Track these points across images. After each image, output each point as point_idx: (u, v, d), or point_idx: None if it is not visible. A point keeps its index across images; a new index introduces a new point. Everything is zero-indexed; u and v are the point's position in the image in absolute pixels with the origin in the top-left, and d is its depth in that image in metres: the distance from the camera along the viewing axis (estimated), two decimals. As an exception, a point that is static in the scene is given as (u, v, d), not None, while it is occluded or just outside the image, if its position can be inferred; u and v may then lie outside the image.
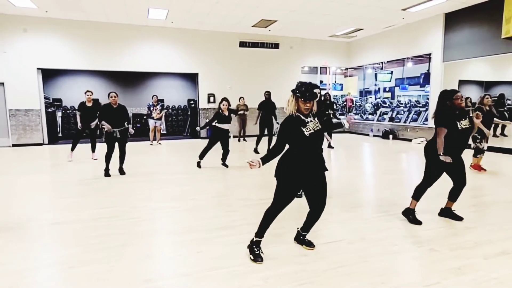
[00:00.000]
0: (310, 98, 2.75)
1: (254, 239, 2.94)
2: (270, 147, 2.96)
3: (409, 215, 3.74)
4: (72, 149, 7.97)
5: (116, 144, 6.19)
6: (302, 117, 2.78)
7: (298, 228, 3.16)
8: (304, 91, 2.74)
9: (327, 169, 2.94)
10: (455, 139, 3.51)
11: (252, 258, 2.87)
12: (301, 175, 2.80)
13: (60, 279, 2.63)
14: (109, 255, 2.96)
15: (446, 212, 3.84)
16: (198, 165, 6.98)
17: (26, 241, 3.31)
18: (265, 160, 2.77)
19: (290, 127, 2.78)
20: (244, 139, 11.90)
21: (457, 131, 3.48)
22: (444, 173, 3.69)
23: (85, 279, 2.57)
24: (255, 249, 2.90)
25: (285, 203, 2.86)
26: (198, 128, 7.57)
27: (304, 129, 2.75)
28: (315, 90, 2.85)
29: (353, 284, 2.48)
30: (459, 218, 3.75)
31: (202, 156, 6.98)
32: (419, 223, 3.65)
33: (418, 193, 3.75)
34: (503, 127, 10.81)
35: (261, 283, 2.49)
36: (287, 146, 2.85)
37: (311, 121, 2.79)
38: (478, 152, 6.22)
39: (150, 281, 2.54)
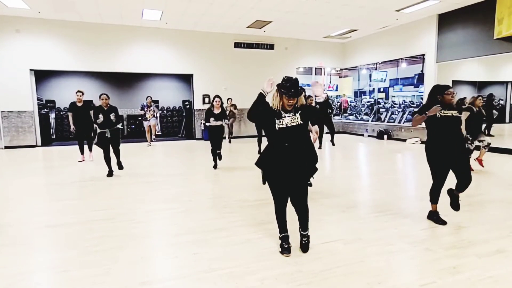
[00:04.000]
0: (294, 95, 2.74)
1: (280, 236, 3.03)
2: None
3: (433, 217, 3.75)
4: (82, 151, 7.92)
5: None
6: (282, 111, 2.82)
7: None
8: (288, 87, 2.73)
9: (314, 170, 2.96)
10: (438, 128, 3.54)
11: (280, 250, 2.97)
12: (274, 168, 2.87)
13: (55, 282, 2.60)
14: (104, 257, 2.94)
15: (452, 194, 3.84)
16: (215, 166, 6.93)
17: (20, 244, 3.27)
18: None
19: (267, 109, 2.83)
20: (229, 141, 11.77)
21: (436, 120, 3.51)
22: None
23: (80, 282, 2.54)
24: (284, 244, 2.99)
25: (275, 196, 2.96)
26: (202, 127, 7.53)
27: (276, 121, 2.79)
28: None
29: (349, 284, 2.49)
30: (456, 208, 3.78)
31: (214, 157, 6.92)
32: (443, 223, 3.64)
33: (432, 196, 3.73)
34: (490, 126, 10.96)
35: (258, 284, 2.48)
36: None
37: (289, 116, 2.81)
38: (469, 152, 6.28)
39: (146, 283, 2.52)
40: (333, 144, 9.89)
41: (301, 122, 2.82)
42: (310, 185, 4.73)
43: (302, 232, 3.05)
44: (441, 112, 3.50)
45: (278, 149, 2.85)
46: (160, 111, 13.73)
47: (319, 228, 3.55)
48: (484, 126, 6.97)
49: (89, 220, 3.89)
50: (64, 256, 2.98)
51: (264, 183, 3.02)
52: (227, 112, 10.25)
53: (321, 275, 2.61)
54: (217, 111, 6.71)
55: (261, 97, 2.83)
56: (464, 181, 3.58)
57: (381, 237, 3.32)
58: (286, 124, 2.78)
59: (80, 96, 7.65)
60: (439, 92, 3.55)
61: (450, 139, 3.54)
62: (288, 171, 2.86)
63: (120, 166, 6.39)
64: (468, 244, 3.17)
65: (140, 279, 2.57)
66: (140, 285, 2.50)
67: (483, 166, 6.43)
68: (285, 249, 2.95)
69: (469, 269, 2.69)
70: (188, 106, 13.68)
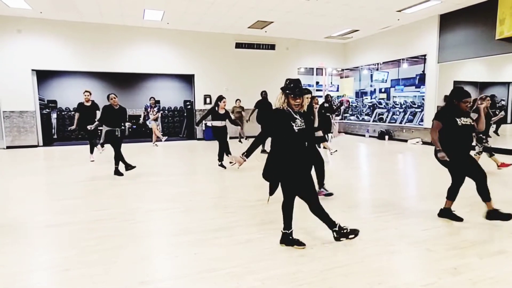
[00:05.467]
0: (300, 94, 2.85)
1: (287, 232, 3.06)
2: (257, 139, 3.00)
3: (445, 214, 3.79)
4: (91, 151, 7.95)
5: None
6: (292, 112, 2.89)
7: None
8: (293, 87, 2.85)
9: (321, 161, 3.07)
10: (456, 136, 3.53)
11: (297, 246, 3.02)
12: (294, 170, 2.89)
13: (55, 281, 2.61)
14: (105, 257, 2.94)
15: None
16: (222, 165, 6.90)
17: (20, 243, 3.28)
18: (249, 152, 2.90)
19: (279, 118, 2.88)
20: (241, 140, 11.86)
21: (457, 127, 3.51)
22: (446, 171, 3.71)
23: (80, 281, 2.55)
24: (291, 238, 3.06)
25: (289, 193, 3.00)
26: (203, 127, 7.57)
27: (293, 124, 2.85)
28: (307, 95, 2.96)
29: (350, 284, 2.48)
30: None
31: (221, 157, 6.92)
32: (459, 219, 3.69)
33: (450, 194, 3.76)
34: (498, 125, 10.94)
35: (258, 284, 2.48)
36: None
37: (298, 118, 2.90)
38: (489, 150, 6.29)
39: (146, 283, 2.52)
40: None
41: (305, 127, 2.93)
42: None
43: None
44: (461, 121, 3.53)
45: (296, 151, 2.88)
46: (162, 111, 13.73)
47: (319, 228, 3.54)
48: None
49: (89, 220, 3.90)
50: (64, 255, 2.99)
51: (271, 194, 2.99)
52: (234, 114, 10.28)
53: (321, 275, 2.61)
54: (221, 111, 6.72)
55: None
56: (483, 177, 3.59)
57: (382, 237, 3.31)
58: (300, 127, 2.88)
59: (88, 95, 7.71)
60: (457, 97, 3.56)
61: (467, 145, 3.62)
62: (306, 171, 2.94)
63: (118, 173, 6.29)
64: (469, 244, 3.16)
65: (140, 279, 2.57)
66: (140, 284, 2.50)
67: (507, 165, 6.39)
68: (300, 242, 3.03)
69: (470, 270, 2.68)
70: (189, 106, 13.69)
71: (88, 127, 7.26)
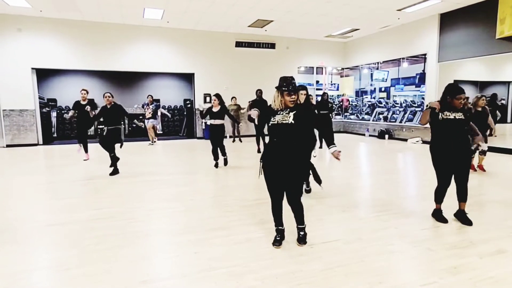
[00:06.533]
0: (293, 90, 2.91)
1: (275, 228, 3.18)
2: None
3: (436, 215, 3.80)
4: (85, 150, 7.89)
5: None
6: (280, 109, 2.97)
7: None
8: (287, 84, 2.92)
9: (303, 174, 3.07)
10: (440, 130, 3.54)
11: (272, 242, 3.13)
12: (267, 163, 3.01)
13: (56, 281, 2.61)
14: (105, 256, 2.94)
15: (458, 214, 3.74)
16: (216, 165, 6.95)
17: (20, 243, 3.28)
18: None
19: (267, 113, 3.03)
20: (240, 140, 11.85)
21: (439, 122, 3.51)
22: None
23: (81, 280, 2.55)
24: (276, 236, 3.16)
25: (269, 191, 3.08)
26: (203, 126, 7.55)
27: (272, 118, 2.96)
28: (302, 91, 3.01)
29: (350, 284, 2.48)
30: (469, 223, 3.64)
31: (215, 157, 6.94)
32: (445, 221, 3.69)
33: (436, 197, 3.76)
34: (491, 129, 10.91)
35: (258, 284, 2.48)
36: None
37: (282, 114, 2.94)
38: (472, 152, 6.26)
39: (147, 282, 2.52)
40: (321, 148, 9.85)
41: (293, 122, 2.88)
42: (309, 191, 4.79)
43: (298, 226, 3.18)
44: (443, 115, 3.49)
45: (270, 145, 3.00)
46: (163, 109, 13.70)
47: (319, 228, 3.55)
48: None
49: (90, 219, 3.90)
50: (64, 254, 2.99)
51: (259, 176, 3.14)
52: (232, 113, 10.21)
53: (321, 274, 2.61)
54: (215, 109, 6.69)
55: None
56: (460, 187, 3.62)
57: (382, 237, 3.32)
58: (277, 121, 2.92)
59: (85, 94, 7.66)
60: (449, 94, 3.50)
61: (453, 141, 3.52)
62: (278, 168, 2.96)
63: (113, 162, 6.26)
64: (469, 244, 3.16)
65: (140, 278, 2.57)
66: (140, 283, 2.50)
67: (484, 171, 6.32)
68: (276, 241, 3.10)
69: (470, 269, 2.68)
70: (189, 105, 13.69)
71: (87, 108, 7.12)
